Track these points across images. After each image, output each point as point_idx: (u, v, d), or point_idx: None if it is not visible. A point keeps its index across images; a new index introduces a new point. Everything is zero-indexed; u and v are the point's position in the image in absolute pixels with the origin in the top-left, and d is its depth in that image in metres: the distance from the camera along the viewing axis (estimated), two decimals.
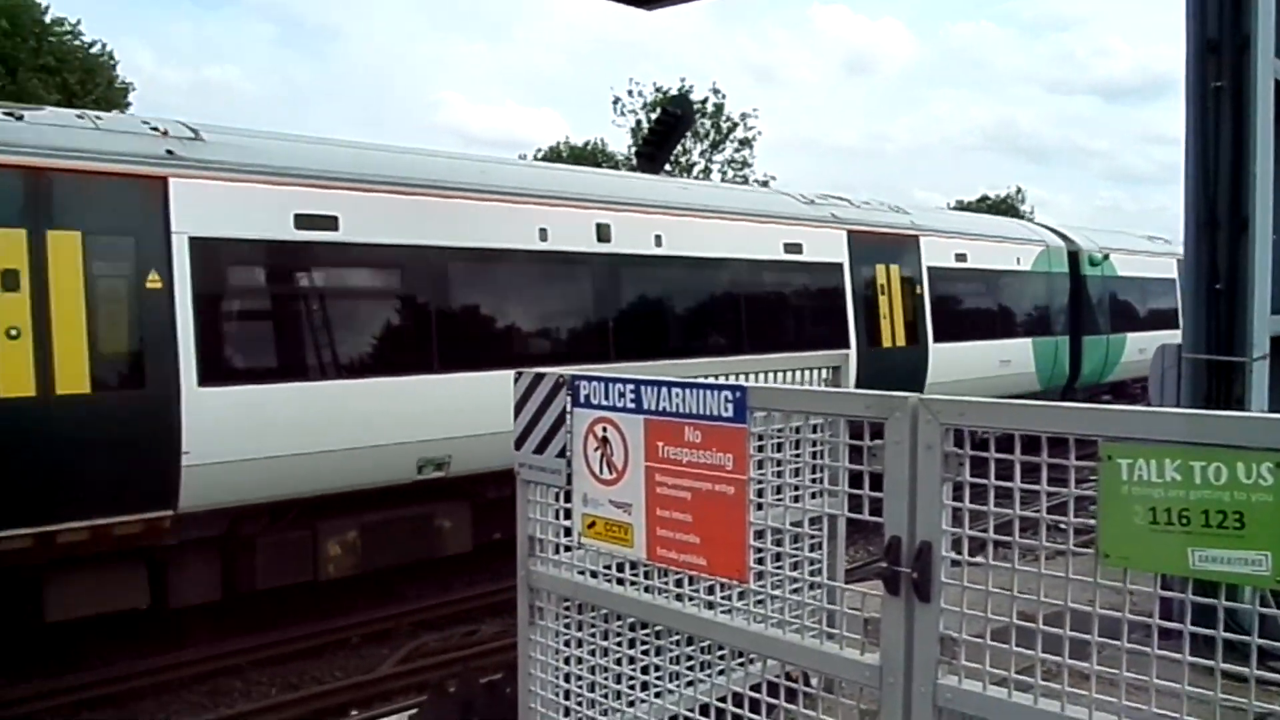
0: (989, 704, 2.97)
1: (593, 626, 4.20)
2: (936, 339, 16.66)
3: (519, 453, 4.21)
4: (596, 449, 3.86)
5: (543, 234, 11.60)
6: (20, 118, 8.82)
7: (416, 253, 10.79)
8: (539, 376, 4.11)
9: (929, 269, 16.79)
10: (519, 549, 4.34)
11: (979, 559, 3.03)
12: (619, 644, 4.12)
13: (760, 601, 3.66)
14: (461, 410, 10.62)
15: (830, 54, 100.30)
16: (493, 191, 11.47)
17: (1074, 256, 20.79)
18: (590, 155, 44.64)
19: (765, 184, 41.85)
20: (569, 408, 3.98)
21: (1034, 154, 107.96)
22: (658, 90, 42.48)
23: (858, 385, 14.84)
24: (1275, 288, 6.63)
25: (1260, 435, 2.49)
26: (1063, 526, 2.87)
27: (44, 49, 32.91)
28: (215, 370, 9.44)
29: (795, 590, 3.91)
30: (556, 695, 4.26)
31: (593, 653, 4.18)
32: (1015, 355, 18.38)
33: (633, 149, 37.73)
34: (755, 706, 3.64)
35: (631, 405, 3.71)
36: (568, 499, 4.08)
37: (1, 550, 8.41)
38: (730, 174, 44.23)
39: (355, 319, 10.73)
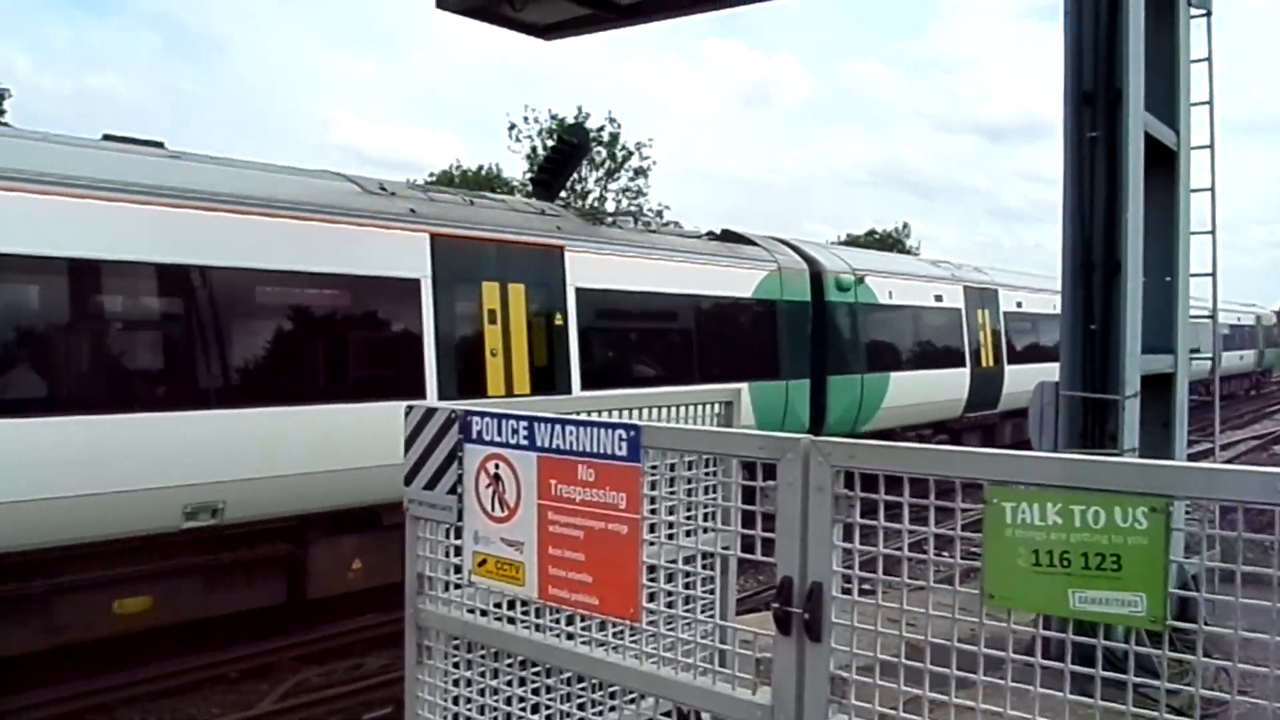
0: None
1: (481, 665, 4.12)
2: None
3: (409, 489, 4.12)
4: (488, 486, 3.80)
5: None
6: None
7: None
8: (430, 411, 4.04)
9: None
10: (407, 587, 4.25)
11: (868, 598, 3.07)
12: (508, 683, 4.06)
13: (651, 639, 3.64)
14: None
15: (726, 87, 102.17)
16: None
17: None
18: (485, 180, 44.37)
19: (660, 214, 42.18)
20: (461, 444, 3.92)
21: (919, 189, 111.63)
22: (553, 117, 42.53)
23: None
24: (1145, 328, 6.92)
25: (1135, 480, 2.58)
26: (948, 566, 2.93)
27: None
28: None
29: (686, 626, 3.90)
30: None
31: (481, 692, 4.11)
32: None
33: (528, 175, 37.63)
34: None
35: (525, 442, 3.67)
36: (458, 536, 4.01)
37: None
38: (624, 202, 44.47)
39: None
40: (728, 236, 17.07)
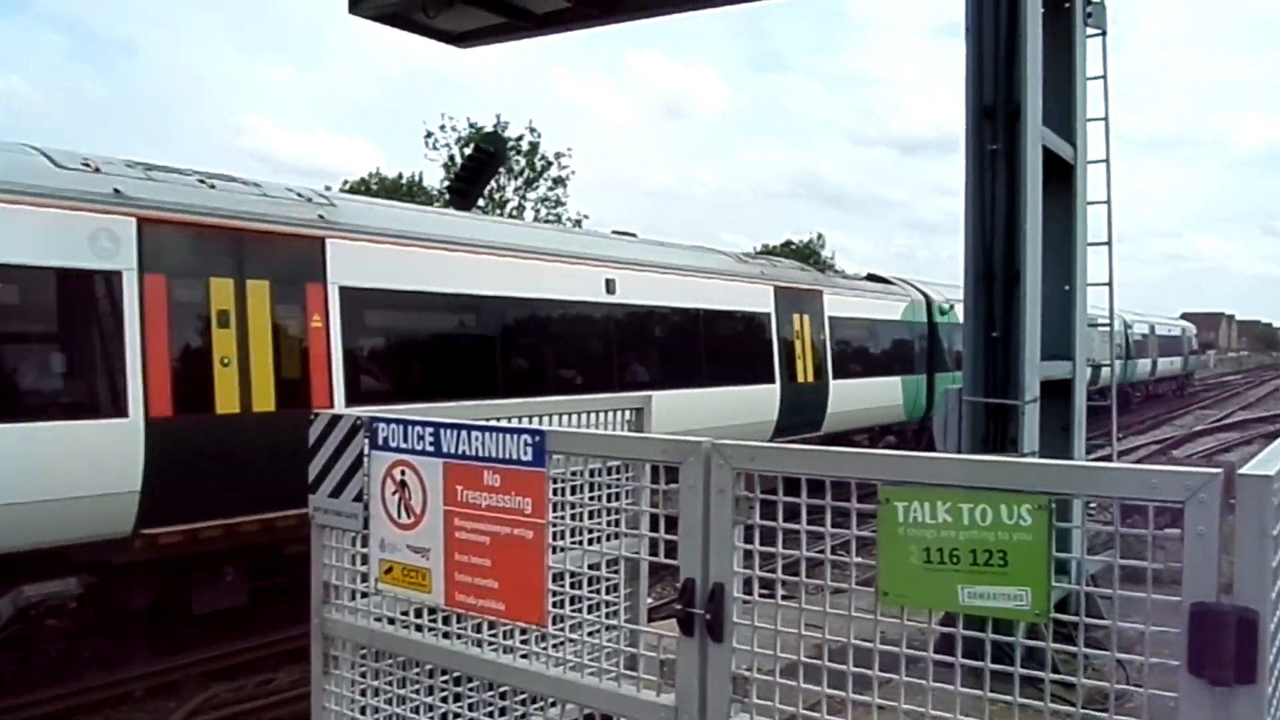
0: None
1: (390, 675, 4.10)
2: None
3: (314, 496, 4.08)
4: (394, 492, 3.79)
5: None
6: None
7: None
8: (335, 418, 4.01)
9: None
10: (313, 596, 4.21)
11: (769, 598, 3.13)
12: (416, 692, 4.04)
13: (559, 645, 3.66)
14: None
15: (646, 98, 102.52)
16: None
17: None
18: (406, 190, 43.85)
19: (579, 223, 42.16)
20: (366, 450, 3.90)
21: (836, 201, 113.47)
22: (472, 126, 42.26)
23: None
24: (1045, 336, 7.13)
25: (1021, 479, 2.68)
26: (847, 565, 3.00)
27: None
28: None
29: (594, 633, 3.93)
30: None
31: (390, 701, 4.08)
32: None
33: (444, 184, 37.31)
34: None
35: (431, 448, 3.67)
36: (364, 544, 3.99)
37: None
38: (544, 212, 44.37)
39: None
40: (873, 278, 25.79)
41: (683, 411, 14.61)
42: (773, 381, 18.72)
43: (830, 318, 20.74)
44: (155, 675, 10.32)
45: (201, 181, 10.83)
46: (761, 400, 18.37)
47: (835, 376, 20.59)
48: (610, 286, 15.19)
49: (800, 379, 19.47)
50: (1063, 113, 7.80)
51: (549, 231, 17.85)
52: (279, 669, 10.74)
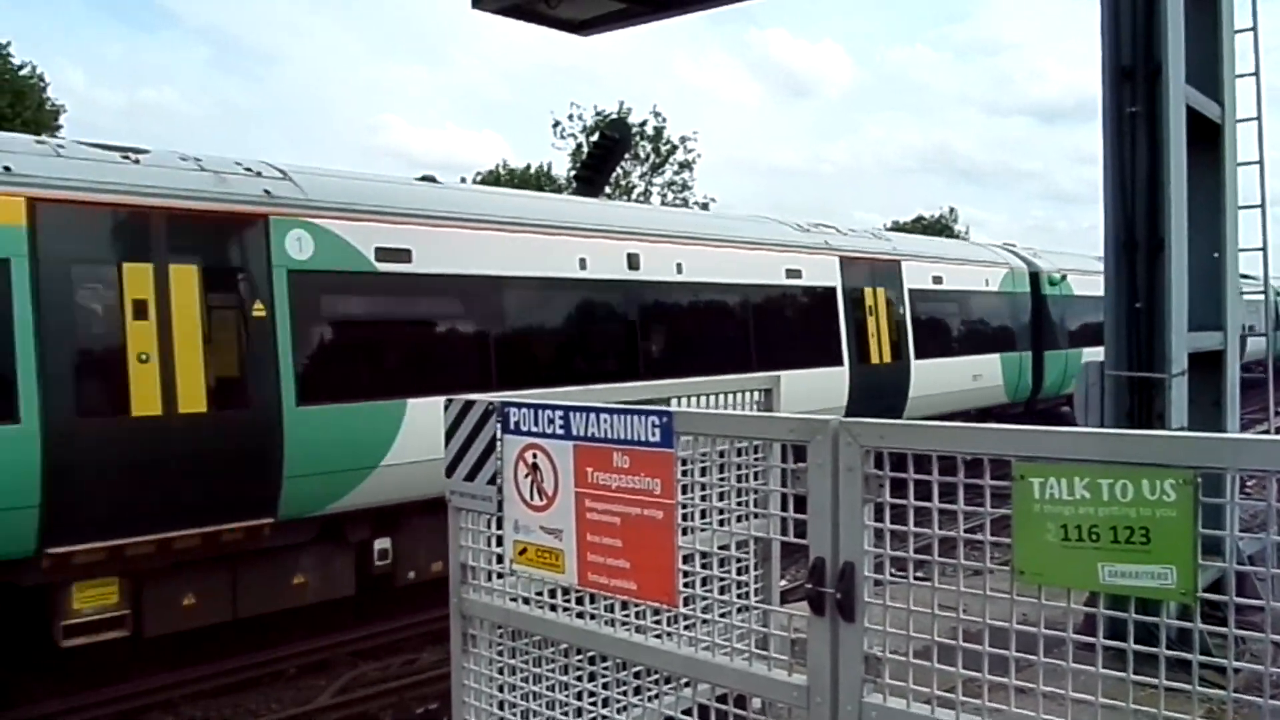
0: None
1: (526, 654, 4.19)
2: None
3: (450, 480, 4.19)
4: (527, 475, 3.86)
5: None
6: None
7: None
8: (469, 404, 4.11)
9: None
10: (451, 577, 4.32)
11: (901, 578, 3.09)
12: (553, 670, 4.12)
13: (691, 625, 3.68)
14: None
15: (771, 77, 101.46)
16: None
17: None
18: (534, 179, 44.58)
19: (706, 206, 42.14)
20: (499, 435, 3.98)
21: (969, 175, 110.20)
22: (597, 114, 42.67)
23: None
24: (1191, 305, 6.82)
25: (1163, 453, 2.57)
26: (981, 544, 2.93)
27: None
28: None
29: (726, 613, 3.93)
30: None
31: (526, 680, 4.17)
32: None
33: (571, 172, 37.78)
34: None
35: (561, 431, 3.73)
36: (499, 526, 4.08)
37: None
38: (670, 196, 44.47)
39: None
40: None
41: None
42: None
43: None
44: (306, 654, 10.78)
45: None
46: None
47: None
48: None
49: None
50: (1208, 69, 7.42)
51: None
52: (423, 649, 11.08)
